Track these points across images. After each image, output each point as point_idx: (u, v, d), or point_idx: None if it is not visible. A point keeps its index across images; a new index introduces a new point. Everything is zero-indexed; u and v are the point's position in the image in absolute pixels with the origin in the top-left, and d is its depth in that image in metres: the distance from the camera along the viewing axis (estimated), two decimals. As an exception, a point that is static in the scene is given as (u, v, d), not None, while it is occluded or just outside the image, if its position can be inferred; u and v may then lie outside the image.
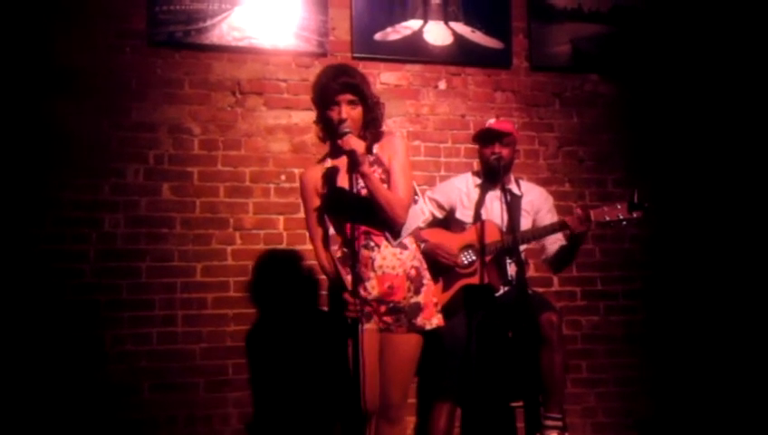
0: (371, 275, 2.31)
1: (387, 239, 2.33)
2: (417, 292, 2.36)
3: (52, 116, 3.14)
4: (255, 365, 3.23)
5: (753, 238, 3.75)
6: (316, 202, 2.41)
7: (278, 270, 3.31)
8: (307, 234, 2.53)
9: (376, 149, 2.38)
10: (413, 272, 2.36)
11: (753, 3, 3.87)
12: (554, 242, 2.97)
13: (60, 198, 3.12)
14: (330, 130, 2.37)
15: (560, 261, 3.01)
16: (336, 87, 2.32)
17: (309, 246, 2.68)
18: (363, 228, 2.30)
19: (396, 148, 2.38)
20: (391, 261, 2.33)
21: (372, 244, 2.32)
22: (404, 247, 2.37)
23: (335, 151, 2.40)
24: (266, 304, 3.28)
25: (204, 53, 3.33)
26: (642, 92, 3.82)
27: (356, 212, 2.23)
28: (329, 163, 2.43)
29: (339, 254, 2.40)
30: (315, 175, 2.43)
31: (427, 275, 2.42)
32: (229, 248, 3.28)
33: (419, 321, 2.35)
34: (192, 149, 3.30)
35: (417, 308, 2.35)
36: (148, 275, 3.18)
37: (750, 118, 3.83)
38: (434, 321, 2.39)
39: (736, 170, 3.80)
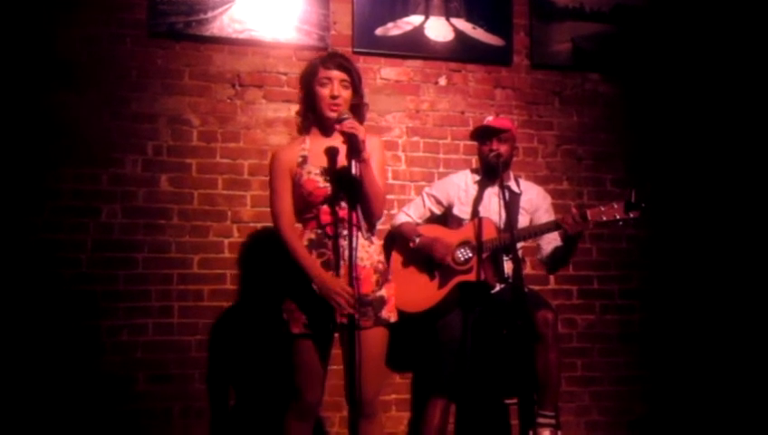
0: (341, 263, 2.29)
1: (360, 230, 2.32)
2: (381, 285, 2.37)
3: (53, 106, 3.14)
4: (237, 359, 3.23)
5: (751, 239, 3.75)
6: (288, 183, 2.37)
7: (272, 262, 3.29)
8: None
9: None
10: (380, 266, 2.39)
11: (753, 2, 3.87)
12: (550, 242, 2.96)
13: (58, 188, 3.12)
14: (312, 108, 2.37)
15: (555, 261, 2.99)
16: (331, 65, 2.35)
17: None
18: (341, 215, 2.29)
19: (374, 147, 2.37)
20: (361, 253, 2.32)
21: (345, 233, 2.27)
22: (371, 242, 2.39)
23: (309, 128, 2.42)
24: (253, 295, 3.26)
25: (204, 45, 3.33)
26: (643, 92, 3.82)
27: (348, 197, 2.23)
28: (307, 142, 2.40)
29: (312, 236, 2.35)
30: (291, 156, 2.39)
31: (389, 271, 2.47)
32: (226, 241, 3.28)
33: (384, 314, 2.36)
34: (191, 140, 3.29)
35: (382, 301, 2.36)
36: (145, 266, 3.18)
37: (750, 118, 3.83)
38: (391, 316, 2.40)
39: (736, 171, 3.80)
